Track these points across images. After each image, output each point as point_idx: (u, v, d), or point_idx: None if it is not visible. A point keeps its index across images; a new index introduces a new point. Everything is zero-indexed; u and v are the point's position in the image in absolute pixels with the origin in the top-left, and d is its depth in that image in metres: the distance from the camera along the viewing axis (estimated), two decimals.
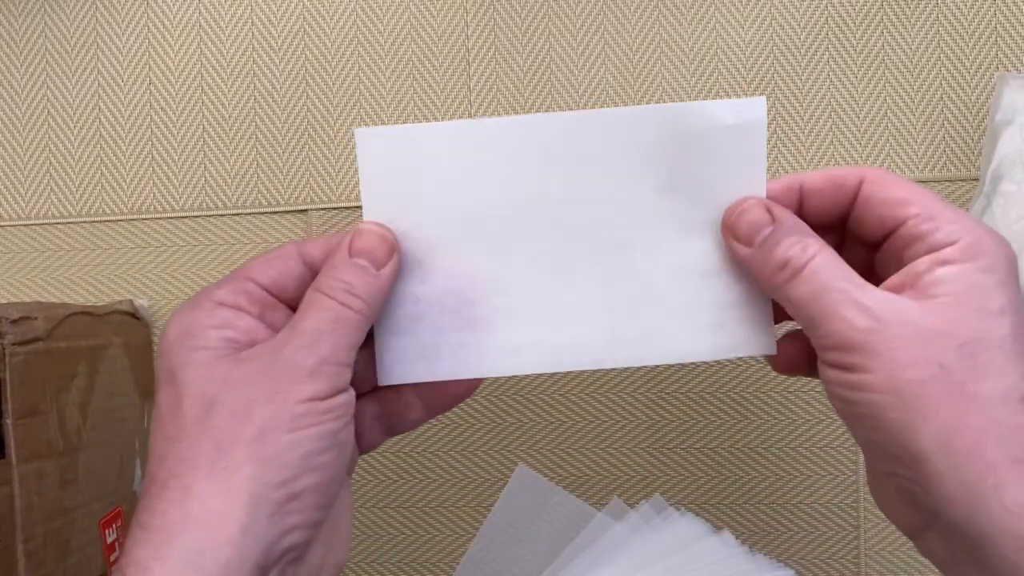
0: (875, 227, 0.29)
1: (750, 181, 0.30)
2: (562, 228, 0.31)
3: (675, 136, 0.30)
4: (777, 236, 0.29)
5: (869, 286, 0.27)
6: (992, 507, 0.25)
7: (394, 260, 0.30)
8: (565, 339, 0.31)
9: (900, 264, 0.28)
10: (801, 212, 0.30)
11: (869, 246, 0.30)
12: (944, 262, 0.27)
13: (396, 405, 0.32)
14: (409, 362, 0.31)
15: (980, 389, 0.26)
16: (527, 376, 0.46)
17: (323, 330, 0.28)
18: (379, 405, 0.32)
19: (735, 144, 0.30)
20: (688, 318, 0.31)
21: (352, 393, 0.28)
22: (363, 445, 0.31)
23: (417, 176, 0.31)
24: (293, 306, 0.29)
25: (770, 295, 0.30)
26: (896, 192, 0.28)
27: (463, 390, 0.32)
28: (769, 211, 0.29)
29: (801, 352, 0.30)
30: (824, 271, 0.28)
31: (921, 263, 0.27)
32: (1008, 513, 0.24)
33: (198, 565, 0.25)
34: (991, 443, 0.25)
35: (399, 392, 0.32)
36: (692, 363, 0.38)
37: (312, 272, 0.30)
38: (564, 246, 0.31)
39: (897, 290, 0.27)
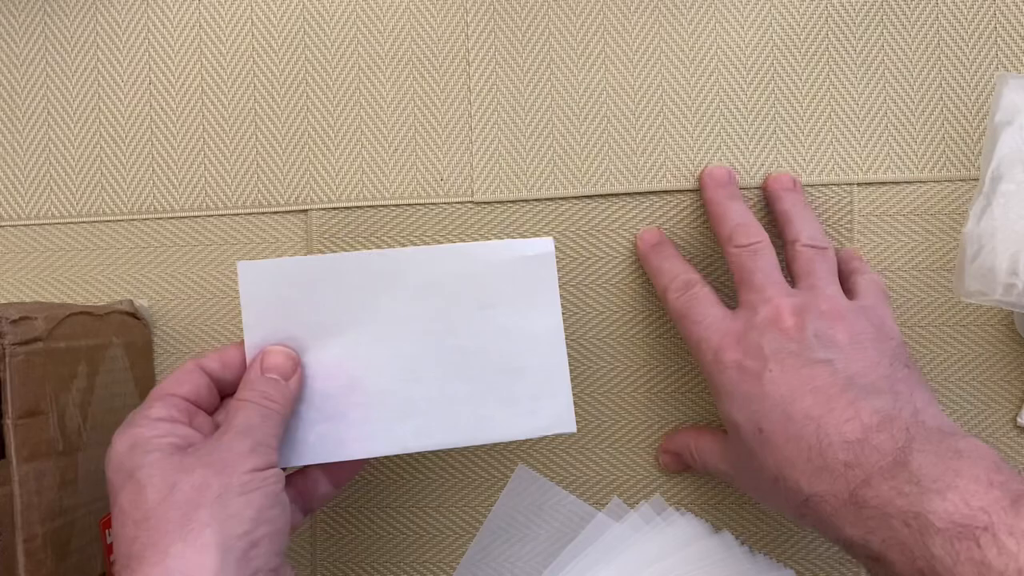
0: None
1: (548, 298, 0.40)
2: (409, 338, 0.39)
3: (487, 265, 0.39)
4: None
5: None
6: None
7: (298, 372, 0.38)
8: (412, 427, 0.39)
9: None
10: None
11: None
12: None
13: (306, 484, 0.39)
14: (287, 451, 0.38)
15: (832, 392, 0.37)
16: None
17: (253, 423, 0.35)
18: (293, 487, 0.39)
19: (533, 270, 0.39)
20: (509, 407, 0.39)
21: (280, 469, 0.35)
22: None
23: (288, 298, 0.38)
24: (208, 411, 0.37)
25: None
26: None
27: (355, 464, 0.41)
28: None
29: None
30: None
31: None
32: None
33: None
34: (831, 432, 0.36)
35: (305, 473, 0.39)
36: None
37: (214, 380, 0.37)
38: (411, 352, 0.39)
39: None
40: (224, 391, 0.38)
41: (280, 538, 0.34)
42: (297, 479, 0.39)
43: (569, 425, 0.40)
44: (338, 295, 0.39)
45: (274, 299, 0.39)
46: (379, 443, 0.39)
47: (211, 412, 0.37)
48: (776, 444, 0.35)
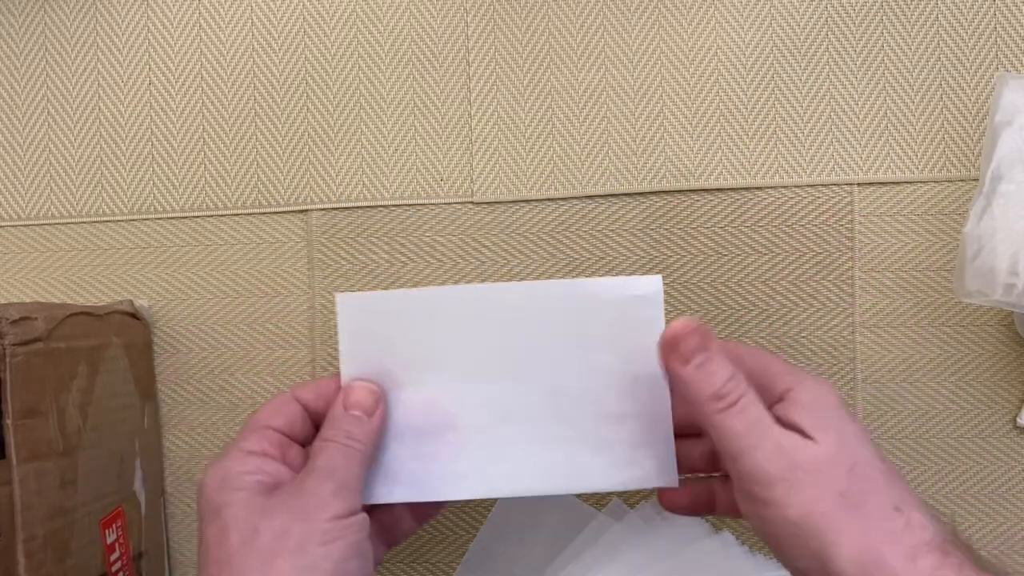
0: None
1: (653, 341, 0.35)
2: (505, 377, 0.37)
3: (591, 303, 0.37)
4: (713, 365, 0.33)
5: (777, 426, 0.32)
6: None
7: (381, 407, 0.36)
8: (504, 470, 0.37)
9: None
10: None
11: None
12: (799, 406, 0.32)
13: (391, 519, 0.38)
14: (375, 486, 0.37)
15: (871, 507, 0.31)
16: None
17: (335, 465, 0.34)
18: (377, 522, 0.37)
19: (639, 311, 0.36)
20: (606, 455, 0.37)
21: (364, 513, 0.34)
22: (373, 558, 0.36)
23: (384, 330, 0.37)
24: (302, 443, 0.36)
25: (699, 419, 0.33)
26: (743, 355, 0.34)
27: (440, 502, 0.39)
28: (702, 337, 0.33)
29: (691, 499, 0.37)
30: (752, 409, 0.32)
31: (778, 410, 0.32)
32: None
33: None
34: (889, 551, 0.30)
35: (391, 508, 0.38)
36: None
37: (309, 412, 0.36)
38: (507, 392, 0.37)
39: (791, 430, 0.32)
40: (318, 422, 0.37)
41: None
42: (382, 514, 0.38)
43: (671, 479, 0.37)
44: (435, 329, 0.37)
45: (371, 331, 0.37)
46: (470, 485, 0.37)
47: (305, 444, 0.36)
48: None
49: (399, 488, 0.37)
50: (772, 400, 0.33)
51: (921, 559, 0.30)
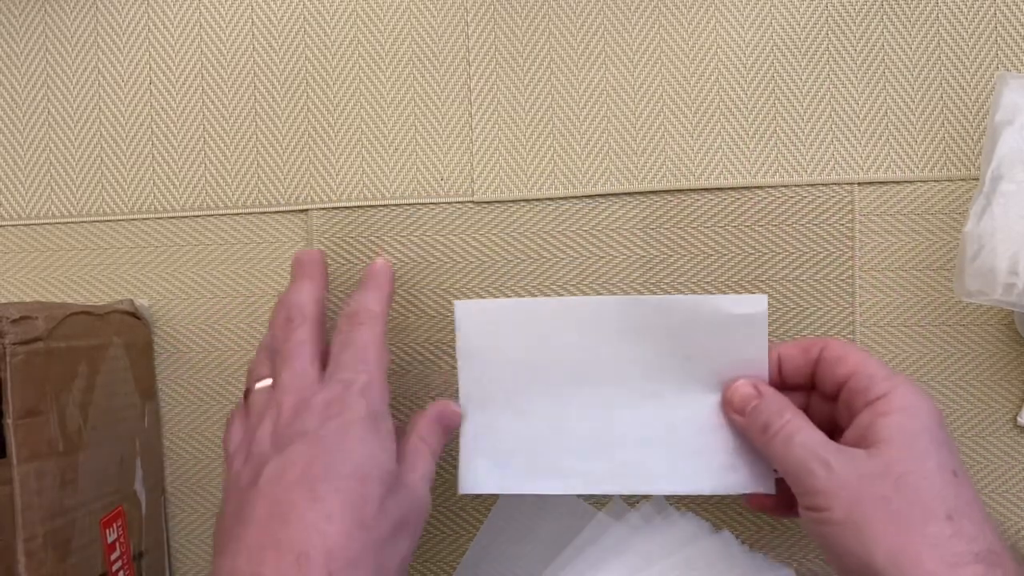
0: (829, 383, 0.38)
1: (756, 355, 0.39)
2: (609, 383, 0.41)
3: (697, 319, 0.40)
4: (761, 407, 0.38)
5: (831, 444, 0.36)
6: None
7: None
8: (607, 468, 0.40)
9: (851, 413, 0.37)
10: (780, 372, 0.40)
11: (829, 399, 0.39)
12: (881, 414, 0.35)
13: None
14: (482, 477, 0.41)
15: (914, 514, 0.33)
16: None
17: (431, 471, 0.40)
18: None
19: (743, 328, 0.39)
20: (705, 458, 0.40)
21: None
22: None
23: (499, 336, 0.41)
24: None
25: (760, 452, 0.39)
26: (845, 356, 0.38)
27: None
28: (756, 388, 0.39)
29: (776, 502, 0.41)
30: (797, 434, 0.36)
31: (864, 416, 0.36)
32: None
33: None
34: (928, 555, 0.32)
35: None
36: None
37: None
38: (611, 397, 0.40)
39: (852, 443, 0.36)
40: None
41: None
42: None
43: (768, 486, 0.40)
44: (546, 336, 0.40)
45: (485, 336, 0.41)
46: (575, 482, 0.41)
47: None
48: None
49: (509, 481, 0.41)
50: (866, 403, 0.36)
51: (963, 568, 0.32)
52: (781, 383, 0.40)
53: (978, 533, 0.33)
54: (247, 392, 0.40)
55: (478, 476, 0.41)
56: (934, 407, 0.36)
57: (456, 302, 0.41)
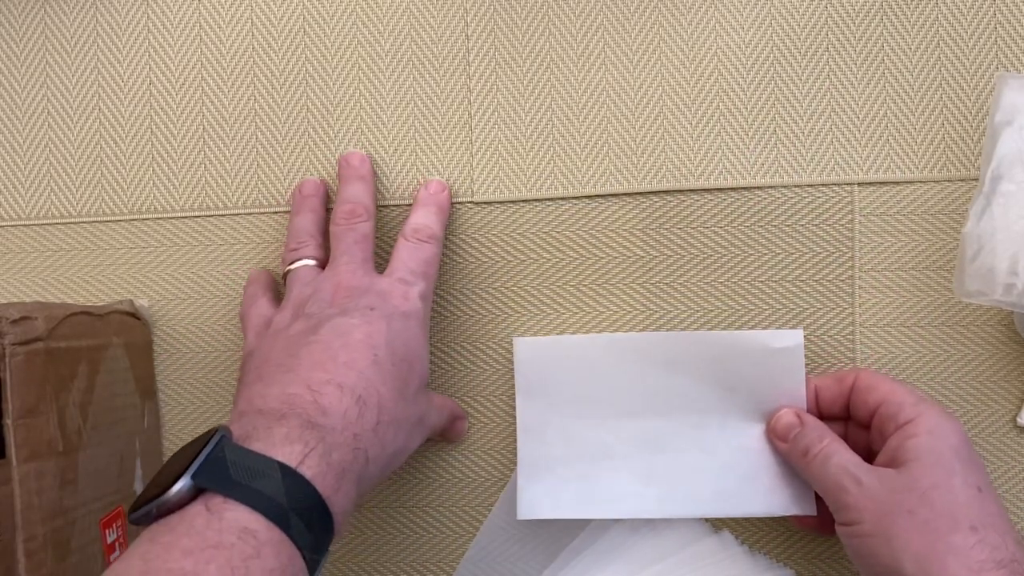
0: (863, 411, 0.41)
1: (794, 386, 0.42)
2: (655, 413, 0.43)
3: (736, 353, 0.42)
4: (803, 433, 0.41)
5: (863, 464, 0.39)
6: None
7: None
8: (654, 493, 0.43)
9: (883, 437, 0.39)
10: (817, 402, 0.42)
11: (864, 427, 0.41)
12: (909, 436, 0.38)
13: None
14: (539, 502, 0.44)
15: (939, 525, 0.36)
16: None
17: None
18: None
19: (780, 361, 0.42)
20: (750, 483, 0.42)
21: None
22: None
23: (553, 370, 0.44)
24: None
25: (801, 476, 0.41)
26: (877, 385, 0.40)
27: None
28: (799, 416, 0.42)
29: (818, 522, 0.43)
30: (833, 456, 0.39)
31: (894, 439, 0.38)
32: None
33: None
34: (952, 561, 0.35)
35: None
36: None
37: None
38: (656, 426, 0.43)
39: (884, 465, 0.38)
40: None
41: None
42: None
43: (809, 508, 0.42)
44: (596, 370, 0.43)
45: (541, 370, 0.44)
46: (625, 505, 0.43)
47: None
48: None
49: (563, 506, 0.43)
50: (896, 427, 0.39)
51: (985, 574, 0.34)
52: (819, 413, 0.42)
53: (1001, 543, 0.35)
54: (284, 272, 0.43)
55: (535, 502, 0.43)
56: (960, 429, 0.38)
57: (515, 339, 0.44)
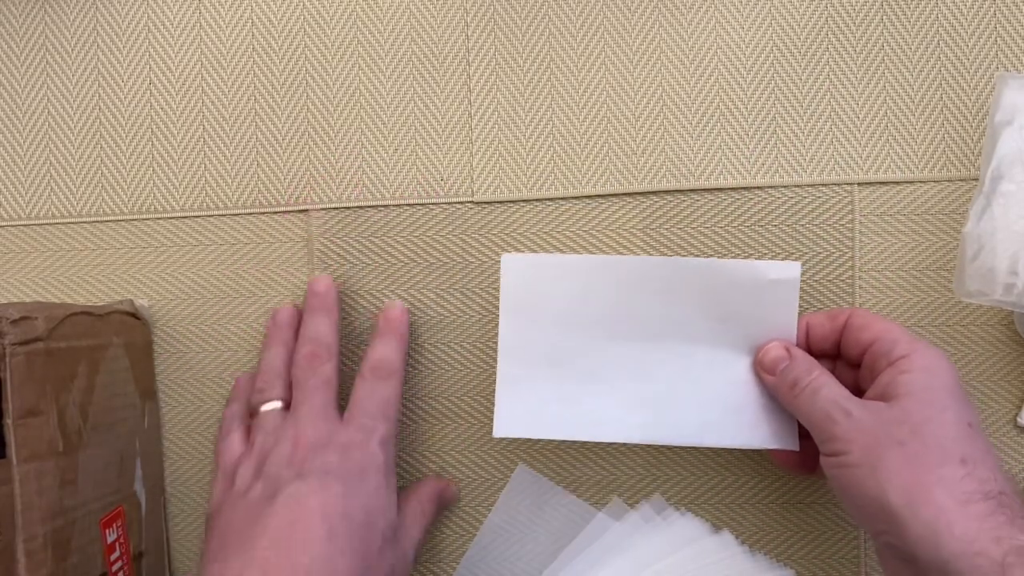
0: (854, 349, 0.40)
1: (786, 320, 0.41)
2: (644, 339, 0.42)
3: (732, 282, 0.41)
4: (791, 367, 0.40)
5: (853, 397, 0.38)
6: (946, 539, 0.33)
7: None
8: (638, 420, 0.42)
9: (873, 374, 0.39)
10: (808, 339, 0.42)
11: (853, 367, 0.41)
12: (902, 371, 0.37)
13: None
14: (517, 421, 0.42)
15: (929, 457, 0.35)
16: None
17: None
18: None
19: (775, 293, 0.41)
20: (734, 415, 0.42)
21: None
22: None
23: (541, 289, 0.42)
24: None
25: (787, 409, 0.41)
26: (870, 323, 0.39)
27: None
28: (787, 350, 0.41)
29: (799, 460, 0.42)
30: (823, 388, 0.39)
31: (886, 375, 0.38)
32: (958, 541, 0.33)
33: None
34: (940, 491, 0.34)
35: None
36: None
37: None
38: (646, 351, 0.42)
39: (874, 399, 0.37)
40: None
41: None
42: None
43: (792, 443, 0.42)
44: (586, 291, 0.42)
45: (529, 291, 0.42)
46: (608, 430, 0.42)
47: None
48: None
49: (543, 426, 0.42)
50: (888, 363, 0.38)
51: (974, 505, 0.34)
52: (808, 350, 0.41)
53: (990, 476, 0.35)
54: (253, 411, 0.43)
55: (513, 421, 0.42)
56: (954, 369, 0.38)
57: (504, 255, 0.42)
